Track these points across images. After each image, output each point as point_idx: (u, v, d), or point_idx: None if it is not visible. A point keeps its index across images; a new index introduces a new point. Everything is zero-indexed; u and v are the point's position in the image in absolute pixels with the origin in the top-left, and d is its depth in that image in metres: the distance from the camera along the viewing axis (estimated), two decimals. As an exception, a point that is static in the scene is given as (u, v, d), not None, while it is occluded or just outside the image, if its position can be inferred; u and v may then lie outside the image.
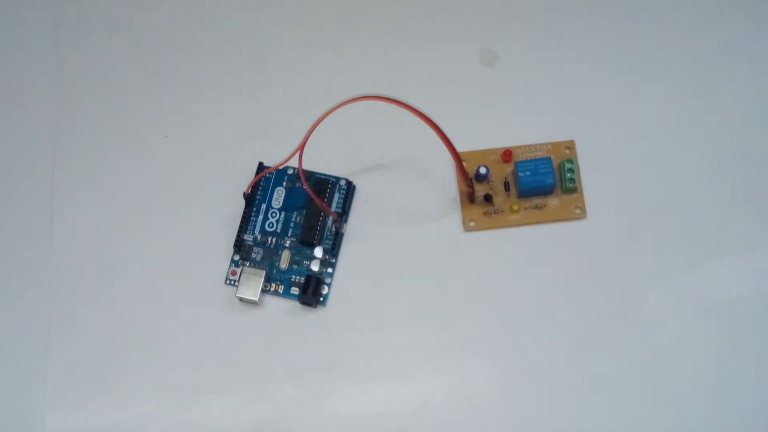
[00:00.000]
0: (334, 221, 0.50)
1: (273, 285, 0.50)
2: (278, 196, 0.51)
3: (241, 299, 0.49)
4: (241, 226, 0.50)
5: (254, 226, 0.51)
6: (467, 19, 0.55)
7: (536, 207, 0.50)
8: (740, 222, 0.50)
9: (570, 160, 0.50)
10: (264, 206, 0.51)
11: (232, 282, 0.50)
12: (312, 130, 0.43)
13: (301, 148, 0.45)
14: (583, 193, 0.50)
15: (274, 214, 0.51)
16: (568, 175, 0.50)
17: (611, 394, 0.47)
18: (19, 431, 0.48)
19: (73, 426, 0.48)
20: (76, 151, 0.54)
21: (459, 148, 0.45)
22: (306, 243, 0.50)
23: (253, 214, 0.51)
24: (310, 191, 0.47)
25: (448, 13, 0.56)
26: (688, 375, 0.47)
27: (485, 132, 0.52)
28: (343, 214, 0.50)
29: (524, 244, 0.50)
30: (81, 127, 0.54)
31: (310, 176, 0.51)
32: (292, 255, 0.50)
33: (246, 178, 0.51)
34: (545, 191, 0.50)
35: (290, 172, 0.52)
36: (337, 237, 0.50)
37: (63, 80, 0.55)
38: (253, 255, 0.50)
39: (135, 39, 0.56)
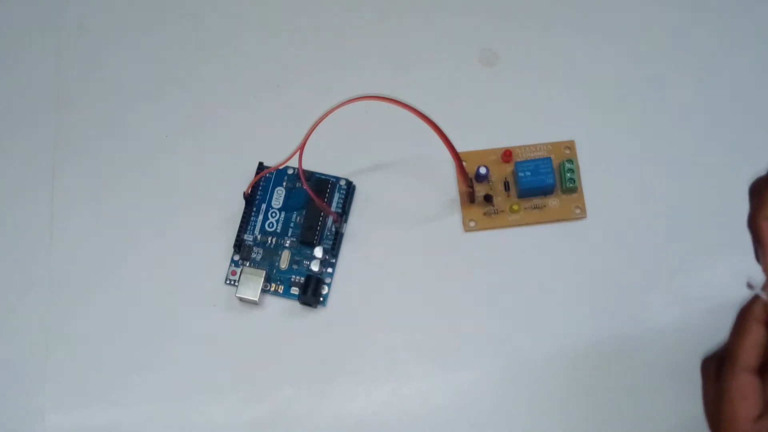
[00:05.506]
0: (334, 221, 0.50)
1: (273, 285, 0.50)
2: (278, 196, 0.51)
3: (241, 299, 0.49)
4: (241, 226, 0.50)
5: (254, 226, 0.51)
6: (467, 19, 0.55)
7: (536, 207, 0.50)
8: (741, 222, 0.50)
9: (570, 160, 0.50)
10: (264, 206, 0.51)
11: (232, 282, 0.50)
12: (312, 130, 0.43)
13: (301, 148, 0.45)
14: (583, 193, 0.50)
15: (274, 214, 0.51)
16: (568, 175, 0.50)
17: (611, 394, 0.47)
18: (19, 431, 0.48)
19: (73, 426, 0.48)
20: (76, 152, 0.54)
21: (459, 148, 0.45)
22: (306, 243, 0.50)
23: (253, 214, 0.51)
24: (310, 191, 0.47)
25: (448, 13, 0.56)
26: (688, 375, 0.47)
27: (485, 132, 0.52)
28: (343, 214, 0.50)
29: (524, 244, 0.50)
30: (81, 128, 0.54)
31: (310, 176, 0.51)
32: (292, 255, 0.50)
33: (246, 178, 0.51)
34: (545, 191, 0.50)
35: (290, 172, 0.52)
36: (337, 237, 0.50)
37: (63, 80, 0.55)
38: (253, 255, 0.50)
39: (135, 39, 0.56)
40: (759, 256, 0.32)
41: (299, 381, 0.48)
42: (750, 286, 0.32)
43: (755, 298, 0.32)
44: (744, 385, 0.31)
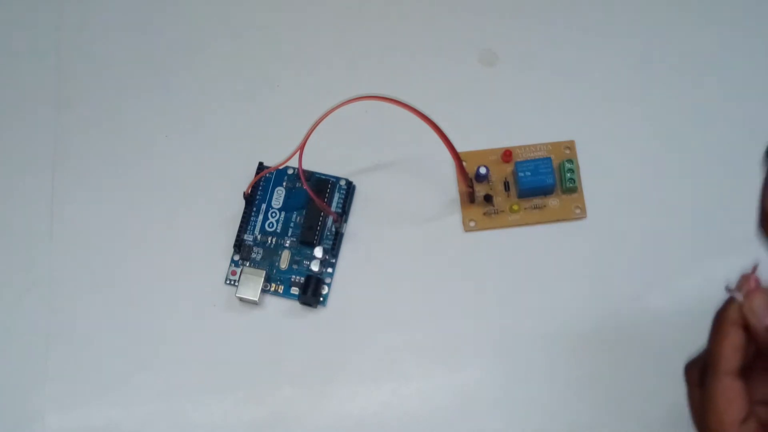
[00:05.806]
0: (334, 221, 0.50)
1: (273, 285, 0.50)
2: (278, 196, 0.51)
3: (241, 299, 0.49)
4: (241, 226, 0.50)
5: (254, 226, 0.51)
6: (467, 19, 0.55)
7: (536, 207, 0.50)
8: (740, 222, 0.50)
9: (570, 160, 0.50)
10: (264, 206, 0.51)
11: (232, 282, 0.50)
12: (312, 130, 0.43)
13: (301, 148, 0.45)
14: (583, 193, 0.50)
15: (274, 214, 0.51)
16: (568, 175, 0.50)
17: (611, 394, 0.47)
18: (19, 431, 0.48)
19: (73, 426, 0.48)
20: (76, 151, 0.54)
21: (459, 148, 0.45)
22: (306, 243, 0.50)
23: (253, 214, 0.51)
24: (310, 191, 0.47)
25: (448, 13, 0.56)
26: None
27: (485, 132, 0.52)
28: (343, 214, 0.50)
29: (524, 244, 0.50)
30: (81, 127, 0.54)
31: (310, 176, 0.51)
32: (292, 255, 0.50)
33: (246, 178, 0.51)
34: (545, 191, 0.50)
35: (290, 172, 0.52)
36: (337, 237, 0.50)
37: (63, 80, 0.55)
38: (253, 255, 0.50)
39: (135, 39, 0.56)
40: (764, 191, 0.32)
41: (299, 381, 0.48)
42: (728, 289, 0.32)
43: (729, 301, 0.32)
44: (727, 389, 0.31)
